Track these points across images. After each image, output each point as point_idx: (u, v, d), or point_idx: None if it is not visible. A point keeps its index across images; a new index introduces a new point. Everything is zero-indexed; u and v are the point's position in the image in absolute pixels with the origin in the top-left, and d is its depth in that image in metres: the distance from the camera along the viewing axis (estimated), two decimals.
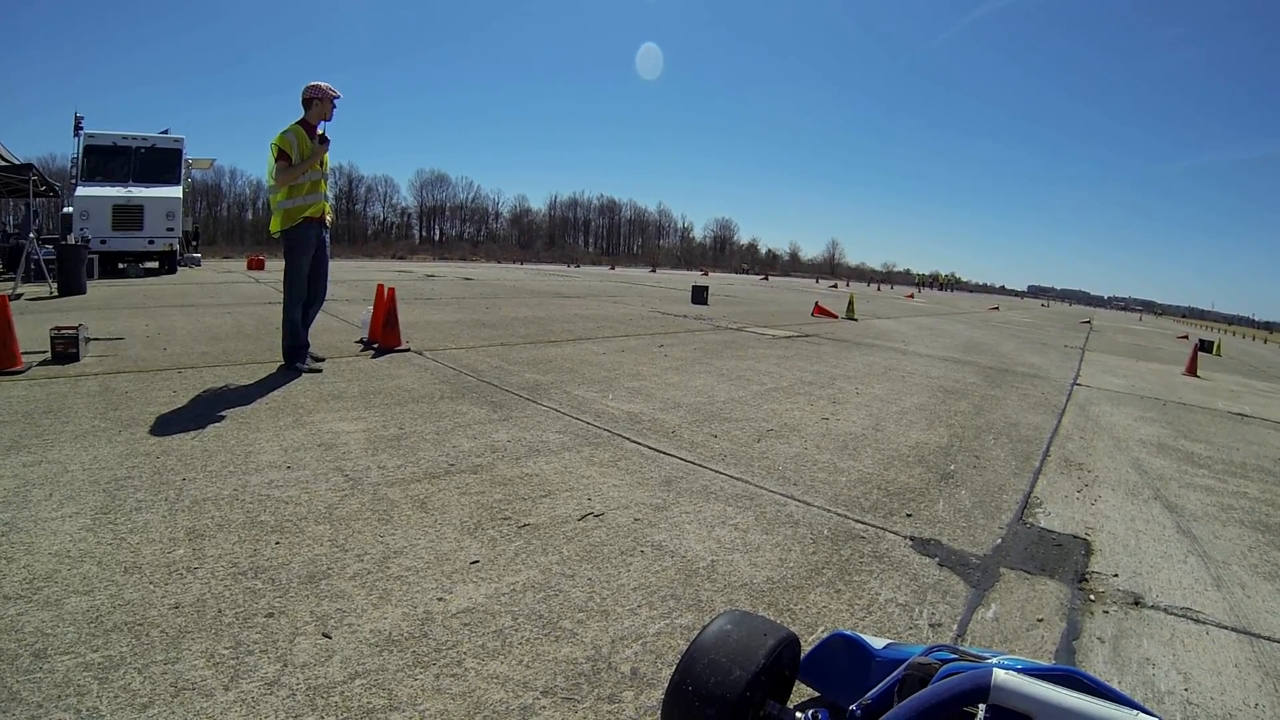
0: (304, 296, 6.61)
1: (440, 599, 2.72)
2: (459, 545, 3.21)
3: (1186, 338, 33.07)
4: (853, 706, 1.73)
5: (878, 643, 2.14)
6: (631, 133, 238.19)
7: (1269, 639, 3.15)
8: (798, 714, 1.80)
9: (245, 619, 2.48)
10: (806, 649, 2.25)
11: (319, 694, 2.10)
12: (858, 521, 4.03)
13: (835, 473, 4.89)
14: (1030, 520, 4.35)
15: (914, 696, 1.18)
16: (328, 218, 6.74)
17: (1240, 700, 2.66)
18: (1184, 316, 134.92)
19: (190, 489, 3.65)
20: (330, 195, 6.98)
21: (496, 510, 3.65)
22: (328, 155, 6.66)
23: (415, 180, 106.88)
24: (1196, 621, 3.25)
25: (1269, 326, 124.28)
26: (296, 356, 6.59)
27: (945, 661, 1.68)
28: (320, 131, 6.53)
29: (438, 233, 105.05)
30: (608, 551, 3.30)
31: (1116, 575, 3.65)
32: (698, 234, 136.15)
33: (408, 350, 7.89)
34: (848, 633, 2.19)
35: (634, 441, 5.18)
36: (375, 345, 7.96)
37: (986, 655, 1.73)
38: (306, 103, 6.45)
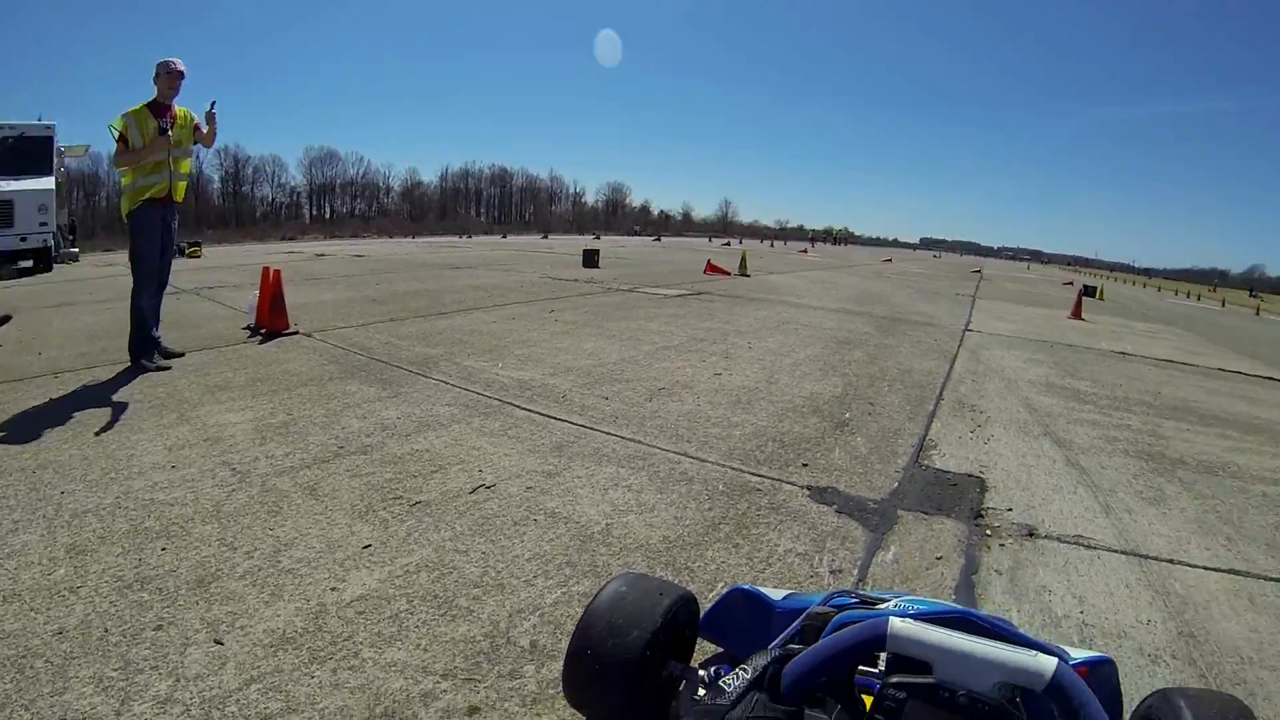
0: (154, 283, 6.25)
1: (333, 589, 2.69)
2: (350, 531, 3.17)
3: (1071, 284, 35.18)
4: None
5: (777, 594, 2.21)
6: (523, 99, 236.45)
7: (1156, 559, 3.38)
8: (700, 672, 1.81)
9: (133, 635, 2.37)
10: (706, 606, 2.28)
11: (214, 706, 2.05)
12: (753, 474, 4.09)
13: (729, 427, 4.95)
14: (926, 462, 4.52)
15: (810, 649, 1.21)
16: (176, 197, 6.37)
17: (1133, 618, 2.84)
18: (1069, 264, 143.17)
19: (70, 502, 3.39)
20: (193, 172, 6.59)
21: (387, 490, 3.63)
22: (189, 131, 6.32)
23: (304, 158, 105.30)
24: (1088, 548, 3.45)
25: (1148, 273, 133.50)
26: (143, 352, 6.17)
27: (843, 608, 1.73)
28: (177, 109, 6.20)
29: (329, 211, 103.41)
30: (500, 523, 3.31)
31: (1011, 509, 3.83)
32: (590, 199, 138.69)
33: (296, 333, 7.66)
34: (746, 587, 2.25)
35: (524, 409, 5.15)
36: (263, 330, 7.69)
37: (886, 597, 1.80)
38: (155, 80, 6.14)
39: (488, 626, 2.48)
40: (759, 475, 4.08)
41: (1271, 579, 3.28)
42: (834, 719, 1.32)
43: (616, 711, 1.80)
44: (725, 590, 2.32)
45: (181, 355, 6.55)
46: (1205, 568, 3.34)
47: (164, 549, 2.95)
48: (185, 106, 6.33)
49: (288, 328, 7.71)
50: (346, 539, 3.08)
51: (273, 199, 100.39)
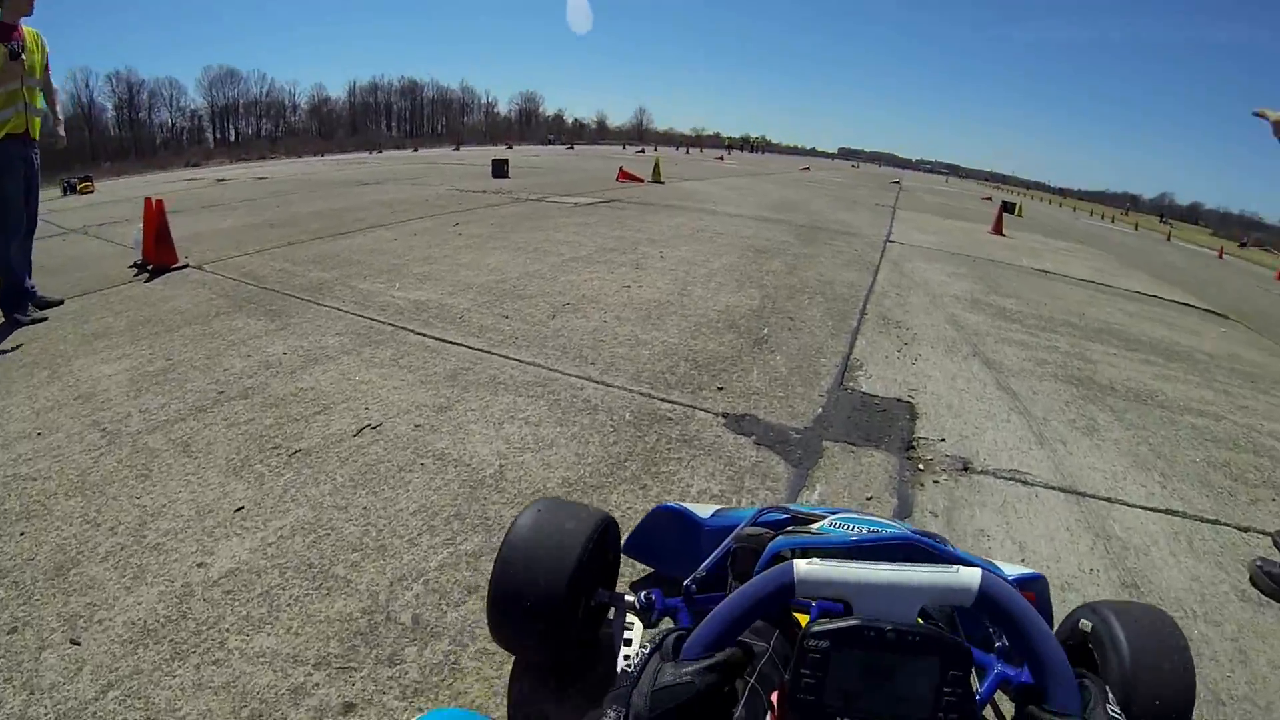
0: (21, 228, 5.61)
1: (200, 564, 2.46)
2: (223, 492, 2.93)
3: (990, 199, 35.85)
4: (687, 582, 1.76)
5: (704, 510, 2.21)
6: (430, 7, 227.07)
7: (1094, 497, 3.22)
8: (627, 596, 1.85)
9: None
10: (628, 529, 2.31)
11: None
12: (664, 400, 3.80)
13: (637, 346, 4.65)
14: (851, 385, 4.27)
15: (712, 615, 1.06)
16: (34, 134, 5.60)
17: (1076, 566, 2.66)
18: (987, 180, 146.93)
19: None
20: (58, 108, 5.85)
21: (266, 439, 3.37)
22: (42, 60, 5.54)
23: (203, 79, 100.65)
24: (1025, 484, 3.26)
25: (1062, 193, 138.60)
26: (16, 305, 5.52)
27: (774, 527, 1.74)
28: (26, 30, 5.34)
29: (234, 133, 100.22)
30: (385, 470, 3.07)
31: (943, 440, 3.61)
32: (502, 108, 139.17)
33: (186, 266, 7.19)
34: (672, 504, 2.26)
35: (418, 333, 4.84)
36: (150, 266, 7.28)
37: (819, 513, 1.74)
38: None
39: (366, 600, 2.27)
40: (670, 401, 3.79)
41: (1208, 520, 3.17)
42: (773, 645, 1.31)
43: (548, 648, 1.79)
44: (650, 509, 2.32)
45: (60, 303, 6.03)
46: (1143, 507, 3.20)
47: (23, 533, 2.68)
48: (35, 29, 5.55)
49: (176, 261, 7.32)
50: (218, 502, 2.84)
51: (173, 124, 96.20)
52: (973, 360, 5.01)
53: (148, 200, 7.37)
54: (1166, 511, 3.18)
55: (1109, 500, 3.21)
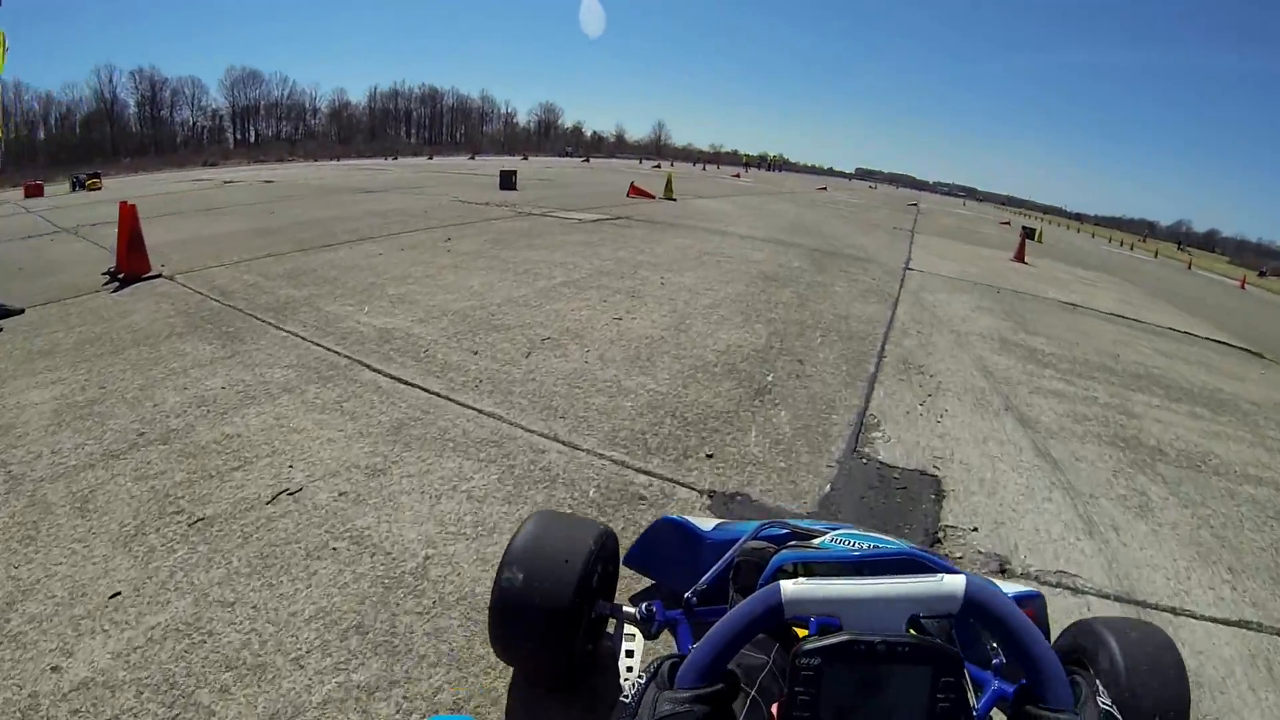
0: None
1: (55, 668, 2.08)
2: (105, 568, 2.54)
3: (1009, 224, 35.66)
4: (688, 594, 1.78)
5: (707, 524, 2.26)
6: (452, 15, 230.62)
7: (1156, 608, 2.67)
8: (626, 608, 1.90)
9: None
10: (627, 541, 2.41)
11: None
12: (640, 471, 3.28)
13: (619, 395, 4.15)
14: (867, 450, 3.72)
15: (705, 640, 1.02)
16: None
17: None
18: (1004, 204, 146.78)
19: None
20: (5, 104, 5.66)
21: (170, 500, 2.98)
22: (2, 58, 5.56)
23: (225, 79, 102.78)
24: (1075, 591, 2.71)
25: (1079, 218, 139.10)
26: None
27: (775, 542, 1.79)
28: None
29: (253, 134, 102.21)
30: (290, 555, 2.62)
31: (976, 529, 3.05)
32: (522, 119, 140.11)
33: (158, 276, 7.02)
34: (674, 517, 2.34)
35: (374, 369, 4.48)
36: (121, 275, 7.08)
37: (819, 528, 1.80)
38: None
39: None
40: (647, 473, 3.26)
41: None
42: (772, 658, 1.36)
43: (551, 659, 1.79)
44: (654, 521, 2.41)
45: (20, 312, 5.89)
46: (1214, 619, 2.64)
47: None
48: None
49: (148, 270, 7.18)
50: (96, 582, 2.46)
51: (194, 123, 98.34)
52: (1005, 417, 4.45)
53: (121, 205, 7.20)
54: (1240, 624, 2.64)
55: (1174, 612, 2.66)
